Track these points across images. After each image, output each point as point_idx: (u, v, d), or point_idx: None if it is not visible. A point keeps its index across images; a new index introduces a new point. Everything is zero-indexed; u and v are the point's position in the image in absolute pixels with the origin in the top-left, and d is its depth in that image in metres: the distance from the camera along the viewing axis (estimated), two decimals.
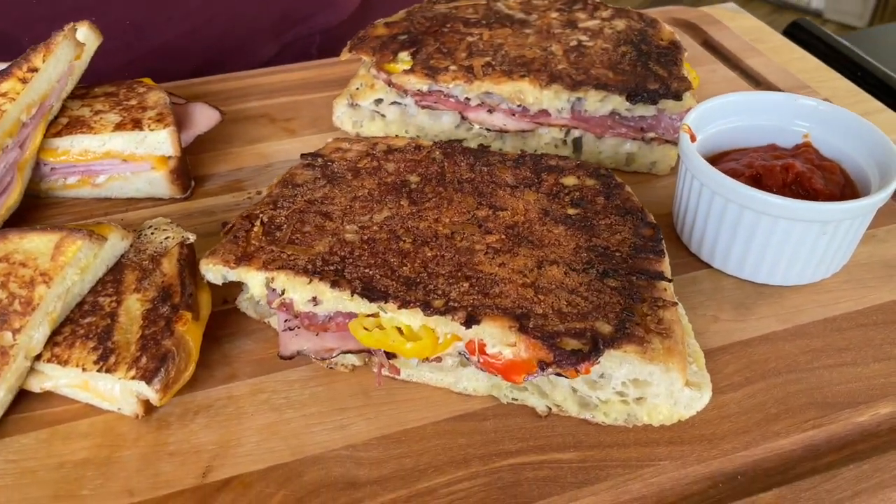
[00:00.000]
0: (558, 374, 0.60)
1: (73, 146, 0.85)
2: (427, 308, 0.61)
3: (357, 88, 0.95)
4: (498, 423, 0.64)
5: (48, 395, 0.66)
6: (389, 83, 0.91)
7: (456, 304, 0.61)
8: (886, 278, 0.77)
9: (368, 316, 0.64)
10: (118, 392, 0.63)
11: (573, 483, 0.60)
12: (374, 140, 0.82)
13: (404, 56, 0.92)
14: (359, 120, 0.97)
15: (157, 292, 0.68)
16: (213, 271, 0.68)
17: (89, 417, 0.65)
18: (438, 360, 0.65)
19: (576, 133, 0.90)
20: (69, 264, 0.65)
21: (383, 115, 0.95)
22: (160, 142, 0.84)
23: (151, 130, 0.83)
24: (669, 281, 0.65)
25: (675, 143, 0.89)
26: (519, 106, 0.89)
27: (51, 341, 0.65)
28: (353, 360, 0.69)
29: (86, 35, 0.87)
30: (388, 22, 1.00)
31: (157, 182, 0.87)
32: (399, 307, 0.61)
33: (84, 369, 0.62)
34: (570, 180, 0.75)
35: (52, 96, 0.83)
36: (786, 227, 0.70)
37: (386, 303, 0.62)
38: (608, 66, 0.89)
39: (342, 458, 0.62)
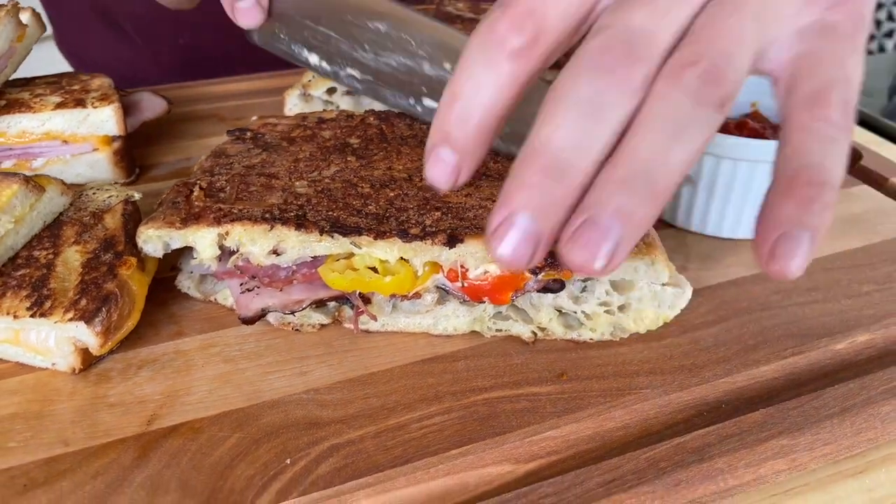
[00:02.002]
0: (547, 288, 0.58)
1: (11, 127, 0.81)
2: (405, 235, 0.58)
3: (309, 80, 0.94)
4: (469, 363, 0.61)
5: None
6: None
7: (434, 229, 0.58)
8: (847, 230, 0.77)
9: (337, 260, 0.61)
10: (53, 342, 0.58)
11: (553, 412, 0.56)
12: (302, 114, 0.80)
13: None
14: (311, 111, 0.95)
15: (100, 243, 0.63)
16: (154, 238, 0.61)
17: (19, 375, 0.59)
18: (417, 296, 0.62)
19: None
20: (3, 209, 0.60)
21: (336, 106, 0.94)
22: (104, 120, 0.81)
23: (95, 108, 0.80)
24: None
25: None
26: None
27: None
28: (320, 318, 0.64)
29: (29, 21, 0.85)
30: None
31: (100, 165, 0.83)
32: (375, 238, 0.58)
33: (16, 316, 0.57)
34: None
35: None
36: (746, 170, 0.71)
37: (360, 236, 0.58)
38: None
39: (303, 402, 0.57)
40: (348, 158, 0.69)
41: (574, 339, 0.62)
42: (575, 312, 0.62)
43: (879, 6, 3.24)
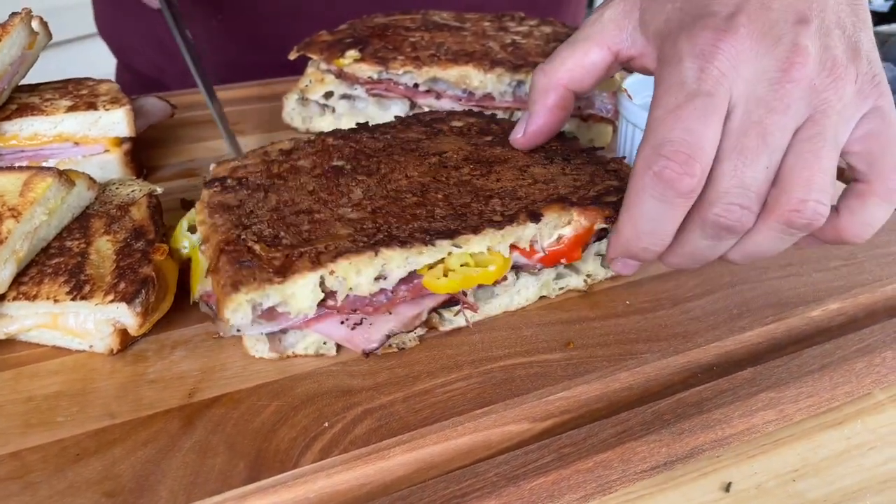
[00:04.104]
0: (599, 235, 0.68)
1: (23, 130, 0.83)
2: (497, 224, 0.62)
3: (306, 85, 0.99)
4: (483, 336, 0.66)
5: (10, 342, 0.63)
6: (340, 74, 0.96)
7: (511, 213, 0.63)
8: None
9: (430, 268, 0.62)
10: (92, 325, 0.61)
11: (564, 376, 0.61)
12: (256, 151, 0.75)
13: (352, 53, 0.97)
14: (308, 115, 1.00)
15: (129, 233, 0.67)
16: (246, 304, 0.56)
17: (58, 358, 0.62)
18: (504, 279, 0.66)
19: (519, 115, 0.96)
20: (38, 201, 0.64)
21: (333, 110, 0.99)
22: (115, 122, 0.84)
23: (107, 110, 0.83)
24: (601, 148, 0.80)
25: (609, 120, 0.97)
26: (464, 91, 0.94)
27: (16, 282, 0.62)
28: (419, 330, 0.64)
29: (39, 29, 0.88)
30: (332, 31, 1.05)
31: (110, 166, 0.86)
32: (473, 234, 0.61)
33: (56, 300, 0.60)
34: (459, 122, 0.81)
35: (3, 80, 0.83)
36: None
37: (460, 236, 0.61)
38: (543, 55, 0.97)
39: (333, 373, 0.61)
40: (359, 178, 0.69)
41: (613, 276, 0.73)
42: None
43: None
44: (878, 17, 4.20)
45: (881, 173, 0.56)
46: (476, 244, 0.61)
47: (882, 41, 1.58)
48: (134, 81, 1.38)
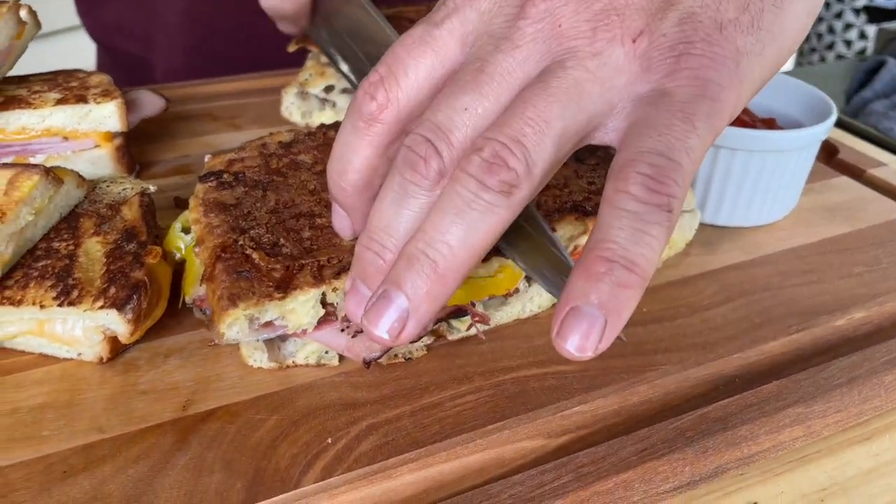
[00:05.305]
0: None
1: (10, 123, 0.79)
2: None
3: (306, 78, 0.95)
4: (493, 345, 0.62)
5: None
6: None
7: None
8: (831, 218, 0.81)
9: None
10: (80, 332, 0.57)
11: (579, 389, 0.58)
12: (253, 142, 0.72)
13: None
14: (308, 110, 0.96)
15: (120, 234, 0.63)
16: (243, 319, 0.53)
17: (44, 366, 0.59)
18: (517, 290, 0.63)
19: None
20: (24, 200, 0.60)
21: (334, 104, 0.95)
22: (106, 116, 0.80)
23: (98, 104, 0.80)
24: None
25: None
26: None
27: (0, 286, 0.59)
28: (425, 339, 0.61)
29: (27, 18, 0.84)
30: None
31: (101, 161, 0.82)
32: None
33: (42, 306, 0.56)
34: None
35: None
36: (742, 159, 0.74)
37: None
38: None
39: (336, 384, 0.58)
40: None
41: None
42: None
43: (819, 20, 3.39)
44: (884, 14, 4.18)
45: (613, 186, 0.40)
46: (485, 264, 0.58)
47: (890, 38, 1.55)
48: (114, 66, 1.33)
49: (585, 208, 0.62)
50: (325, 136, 0.73)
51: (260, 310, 0.53)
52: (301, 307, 0.54)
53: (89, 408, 0.55)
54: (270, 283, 0.53)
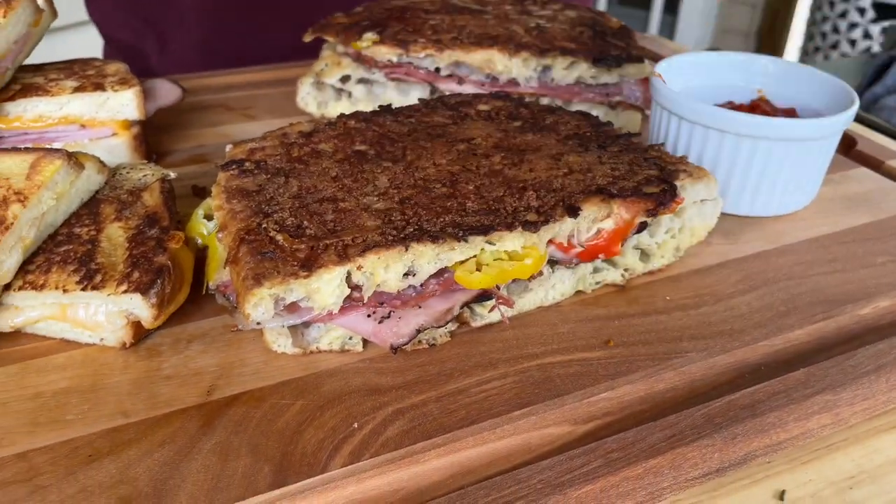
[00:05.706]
0: (639, 229, 0.64)
1: (27, 111, 0.79)
2: (531, 226, 0.58)
3: (322, 68, 0.95)
4: (517, 332, 0.62)
5: (15, 335, 0.59)
6: (358, 57, 0.92)
7: (546, 207, 0.59)
8: (853, 208, 0.81)
9: (463, 263, 0.58)
10: (103, 317, 0.57)
11: (605, 375, 0.58)
12: (275, 132, 0.71)
13: (370, 35, 0.93)
14: (324, 100, 0.96)
15: (142, 219, 0.63)
16: (268, 298, 0.52)
17: (67, 351, 0.58)
18: (540, 273, 0.62)
19: (544, 101, 0.93)
20: (46, 185, 0.60)
21: (349, 94, 0.95)
22: (124, 104, 0.80)
23: (115, 91, 0.79)
24: (637, 134, 0.75)
25: (638, 108, 0.93)
26: (488, 76, 0.91)
27: (22, 270, 0.58)
28: (450, 325, 0.61)
29: (44, 6, 0.83)
30: (348, 13, 1.01)
31: (118, 150, 0.82)
32: (508, 230, 0.57)
33: (65, 290, 0.56)
34: (485, 106, 0.78)
35: (8, 58, 0.78)
36: (764, 148, 0.74)
37: (494, 233, 0.57)
38: (569, 39, 0.93)
39: (360, 370, 0.58)
40: (385, 164, 0.65)
41: (651, 270, 0.70)
42: (649, 245, 0.68)
43: (824, 19, 3.38)
44: (892, 11, 4.14)
45: None
46: (510, 242, 0.58)
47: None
48: (117, 57, 1.33)
49: (610, 191, 0.62)
50: (345, 126, 0.72)
51: (285, 289, 0.52)
52: (326, 286, 0.53)
53: (113, 392, 0.55)
54: (295, 263, 0.53)
